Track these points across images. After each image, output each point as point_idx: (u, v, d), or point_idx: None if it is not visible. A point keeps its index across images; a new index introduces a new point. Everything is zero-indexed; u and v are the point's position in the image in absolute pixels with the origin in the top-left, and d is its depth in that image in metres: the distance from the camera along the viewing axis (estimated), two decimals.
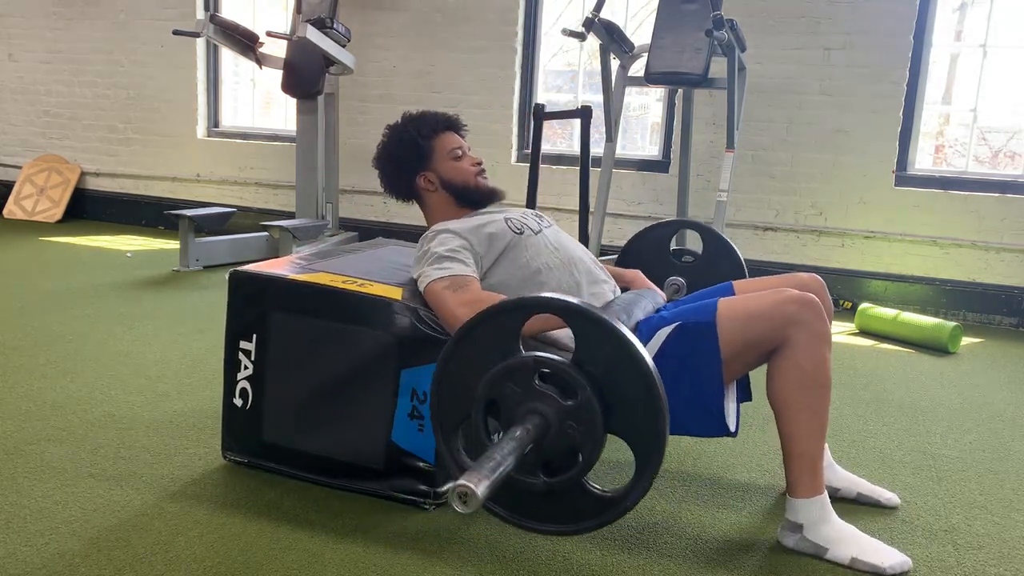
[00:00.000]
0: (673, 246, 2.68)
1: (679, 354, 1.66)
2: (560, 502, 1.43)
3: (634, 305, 1.80)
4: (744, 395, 1.89)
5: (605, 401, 1.37)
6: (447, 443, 1.51)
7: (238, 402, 1.94)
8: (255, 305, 1.90)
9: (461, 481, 1.16)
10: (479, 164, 2.03)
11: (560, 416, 1.36)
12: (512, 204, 2.20)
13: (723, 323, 1.64)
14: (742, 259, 2.51)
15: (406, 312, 1.76)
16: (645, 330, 1.72)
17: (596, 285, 1.91)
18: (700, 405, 1.64)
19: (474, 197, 2.00)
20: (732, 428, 1.65)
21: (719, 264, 2.45)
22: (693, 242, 3.73)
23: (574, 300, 1.40)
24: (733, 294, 1.89)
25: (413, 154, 1.99)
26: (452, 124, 2.05)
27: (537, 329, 1.68)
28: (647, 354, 1.37)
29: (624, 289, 2.07)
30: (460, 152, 2.01)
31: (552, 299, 1.43)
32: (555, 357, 1.39)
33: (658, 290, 2.08)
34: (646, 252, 2.56)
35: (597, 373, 1.37)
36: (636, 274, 2.16)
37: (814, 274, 1.96)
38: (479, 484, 1.16)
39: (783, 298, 1.63)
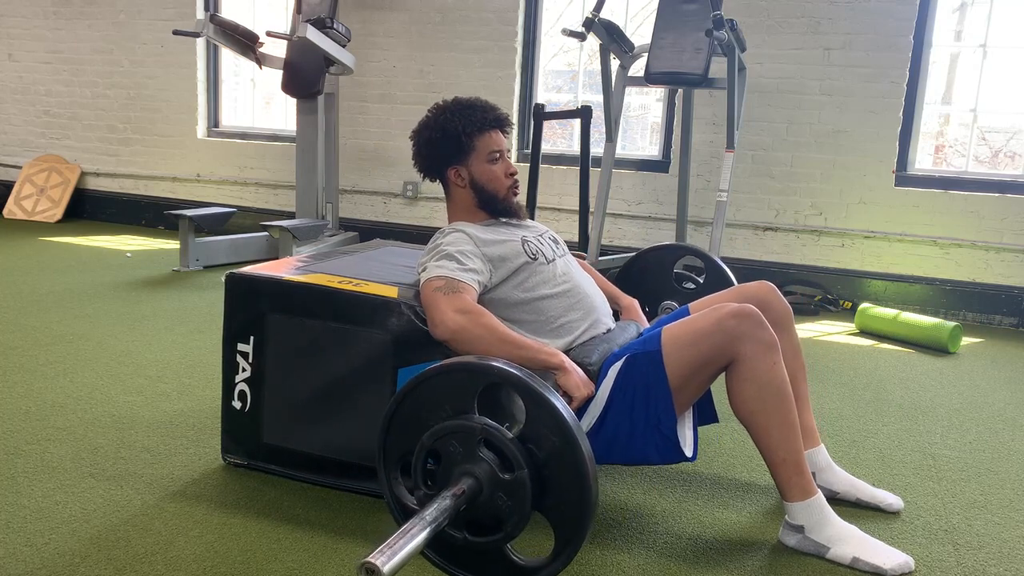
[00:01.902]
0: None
1: (631, 386, 1.68)
2: (481, 560, 1.48)
3: (613, 343, 1.82)
4: (709, 417, 1.90)
5: (541, 482, 1.41)
6: (387, 472, 1.55)
7: (237, 405, 1.94)
8: (251, 307, 1.90)
9: (367, 559, 1.19)
10: (514, 175, 1.97)
11: (493, 485, 1.41)
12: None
13: (668, 351, 1.66)
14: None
15: (402, 310, 1.77)
16: (604, 368, 1.74)
17: (597, 324, 1.89)
18: (657, 433, 1.66)
19: (497, 208, 1.97)
20: (688, 454, 1.67)
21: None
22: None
23: (534, 383, 1.41)
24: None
25: (452, 148, 1.93)
26: (500, 123, 1.97)
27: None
28: (589, 452, 1.39)
29: (616, 314, 2.08)
30: (498, 155, 1.95)
31: (517, 377, 1.43)
32: (501, 431, 1.41)
33: (644, 322, 2.09)
34: (649, 272, 2.55)
35: (539, 454, 1.41)
36: (631, 304, 2.15)
37: (763, 281, 1.97)
38: (386, 563, 1.19)
39: (721, 315, 1.64)
